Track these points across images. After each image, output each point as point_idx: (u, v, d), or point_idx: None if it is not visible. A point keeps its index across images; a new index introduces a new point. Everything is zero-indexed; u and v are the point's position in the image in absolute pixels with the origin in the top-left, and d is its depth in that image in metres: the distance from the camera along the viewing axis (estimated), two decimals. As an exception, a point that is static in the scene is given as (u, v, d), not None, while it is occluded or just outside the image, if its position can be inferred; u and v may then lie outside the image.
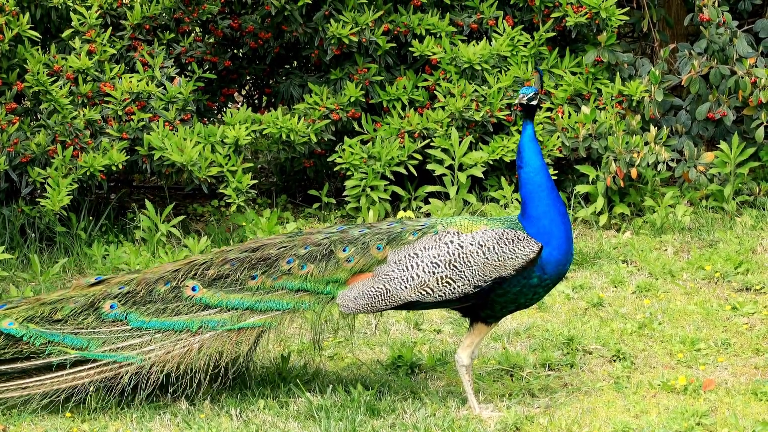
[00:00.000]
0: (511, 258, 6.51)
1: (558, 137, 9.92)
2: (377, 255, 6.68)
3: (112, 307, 6.73)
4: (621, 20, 10.24)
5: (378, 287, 6.61)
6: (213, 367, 6.66)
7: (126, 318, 6.70)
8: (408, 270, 6.59)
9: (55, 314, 6.72)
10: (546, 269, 6.53)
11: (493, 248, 6.53)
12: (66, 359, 6.62)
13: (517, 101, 6.65)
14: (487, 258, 6.52)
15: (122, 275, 7.01)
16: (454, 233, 6.60)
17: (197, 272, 6.79)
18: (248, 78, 10.93)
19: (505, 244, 6.52)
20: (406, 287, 6.58)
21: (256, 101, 11.19)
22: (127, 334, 6.66)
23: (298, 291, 6.70)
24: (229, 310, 6.70)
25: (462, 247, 6.55)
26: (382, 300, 6.61)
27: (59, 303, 6.77)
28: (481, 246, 6.54)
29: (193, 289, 6.76)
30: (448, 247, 6.57)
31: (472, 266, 6.53)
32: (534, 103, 6.58)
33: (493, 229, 6.57)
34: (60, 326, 6.68)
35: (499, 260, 6.51)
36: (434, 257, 6.57)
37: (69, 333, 6.66)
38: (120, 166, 9.23)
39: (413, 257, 6.61)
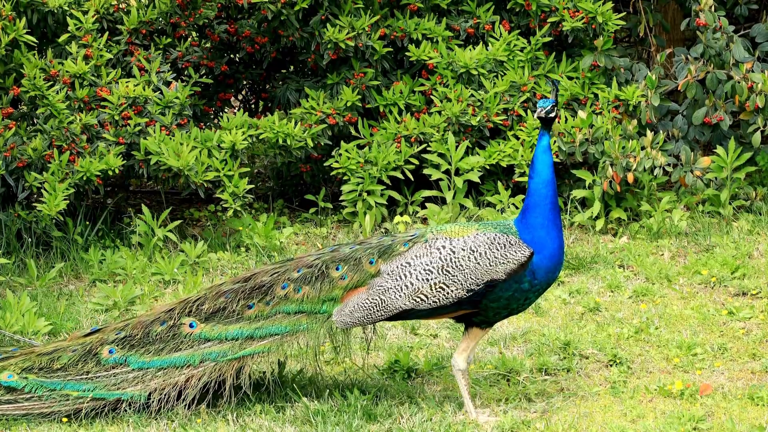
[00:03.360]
0: (503, 262, 6.53)
1: (555, 142, 9.92)
2: (370, 269, 6.71)
3: (110, 351, 6.76)
4: (617, 25, 10.24)
5: (373, 299, 6.64)
6: (213, 394, 6.74)
7: (126, 361, 6.73)
8: (402, 279, 6.61)
9: (53, 364, 6.73)
10: (536, 274, 6.57)
11: (485, 252, 6.55)
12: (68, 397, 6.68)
13: (535, 115, 6.68)
14: (479, 262, 6.54)
15: (117, 322, 7.05)
16: (445, 239, 6.62)
17: (192, 309, 6.82)
18: (245, 82, 10.93)
19: (497, 249, 6.55)
20: (400, 296, 6.60)
21: (253, 106, 11.18)
22: (129, 375, 6.69)
23: (296, 313, 6.74)
24: (229, 341, 6.73)
25: (454, 252, 6.57)
26: (377, 311, 6.63)
27: (56, 353, 6.78)
28: (473, 250, 6.56)
29: (191, 325, 6.78)
30: (440, 253, 6.59)
31: (464, 270, 6.54)
32: (552, 115, 6.61)
33: (484, 233, 6.60)
34: (60, 373, 6.69)
35: (491, 264, 6.53)
36: (427, 264, 6.59)
37: (70, 380, 6.68)
38: (116, 171, 9.22)
39: (406, 266, 6.62)
